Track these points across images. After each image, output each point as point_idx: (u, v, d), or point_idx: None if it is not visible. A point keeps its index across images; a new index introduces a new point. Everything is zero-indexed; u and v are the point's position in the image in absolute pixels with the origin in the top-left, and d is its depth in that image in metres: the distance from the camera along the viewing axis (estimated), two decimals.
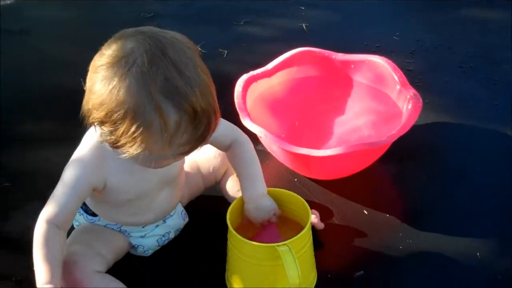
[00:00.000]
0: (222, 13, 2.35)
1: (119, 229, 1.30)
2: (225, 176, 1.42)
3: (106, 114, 0.99)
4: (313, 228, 1.31)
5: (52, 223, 1.13)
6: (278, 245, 1.12)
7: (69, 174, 1.14)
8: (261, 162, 1.53)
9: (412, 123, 1.44)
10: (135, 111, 0.97)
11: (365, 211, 1.44)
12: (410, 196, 1.50)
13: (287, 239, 1.14)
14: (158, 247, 1.35)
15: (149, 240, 1.32)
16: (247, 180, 1.28)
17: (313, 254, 1.24)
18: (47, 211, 1.14)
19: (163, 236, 1.34)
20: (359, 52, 1.72)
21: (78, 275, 1.16)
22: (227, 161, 1.39)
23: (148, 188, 1.22)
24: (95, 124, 1.04)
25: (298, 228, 1.21)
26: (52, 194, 1.16)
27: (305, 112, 1.69)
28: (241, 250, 1.16)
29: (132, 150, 1.01)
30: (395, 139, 1.41)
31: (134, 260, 1.33)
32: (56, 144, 1.65)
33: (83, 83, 1.05)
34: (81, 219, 1.31)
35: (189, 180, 1.39)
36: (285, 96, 1.68)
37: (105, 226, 1.30)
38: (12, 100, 1.87)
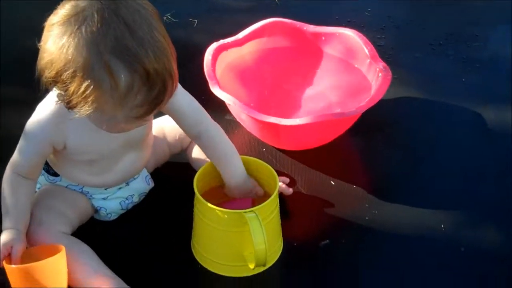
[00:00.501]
0: None
1: (81, 190, 1.28)
2: (191, 144, 1.41)
3: (57, 73, 0.97)
4: (281, 196, 1.31)
5: (18, 174, 1.15)
6: (245, 212, 1.11)
7: (29, 130, 1.13)
8: (230, 131, 1.54)
9: (381, 95, 1.44)
10: (84, 70, 0.94)
11: (332, 182, 1.45)
12: (377, 168, 1.51)
13: (254, 206, 1.13)
14: (122, 211, 1.33)
15: (111, 202, 1.30)
16: (226, 170, 1.26)
17: (280, 222, 1.24)
18: (13, 162, 1.16)
19: (126, 199, 1.32)
20: (330, 26, 1.71)
21: (44, 235, 1.15)
22: None
23: (111, 150, 1.20)
24: (49, 84, 1.01)
25: (266, 196, 1.21)
26: (18, 146, 1.16)
27: (275, 83, 1.68)
28: (208, 216, 1.16)
29: (83, 110, 0.98)
30: (364, 110, 1.42)
31: (97, 225, 1.32)
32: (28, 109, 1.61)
33: (37, 42, 1.02)
34: (42, 179, 1.29)
35: (155, 146, 1.36)
36: (255, 66, 1.67)
37: (66, 187, 1.28)
38: None
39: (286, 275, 1.25)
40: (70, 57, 0.95)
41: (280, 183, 1.33)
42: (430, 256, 1.28)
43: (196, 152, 1.38)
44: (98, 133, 1.12)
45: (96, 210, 1.30)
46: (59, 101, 1.04)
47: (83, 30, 0.94)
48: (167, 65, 0.98)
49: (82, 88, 0.95)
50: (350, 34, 1.64)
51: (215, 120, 1.51)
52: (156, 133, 1.39)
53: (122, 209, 1.32)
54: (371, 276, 1.24)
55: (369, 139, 1.58)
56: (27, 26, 1.74)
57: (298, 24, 1.69)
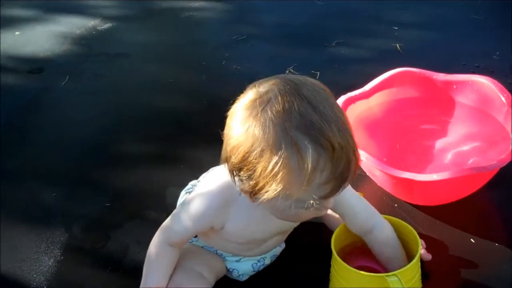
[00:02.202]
0: (314, 35, 2.33)
1: (215, 252, 1.30)
2: None
3: (243, 156, 0.97)
4: (420, 259, 1.24)
5: (167, 243, 1.17)
6: (387, 275, 1.07)
7: (195, 206, 1.15)
8: (361, 186, 1.51)
9: None
10: (272, 148, 0.94)
11: (472, 240, 1.37)
12: None
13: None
14: (254, 272, 1.32)
15: (244, 264, 1.31)
16: (390, 263, 1.21)
17: (421, 285, 1.18)
18: (165, 232, 1.18)
19: (258, 261, 1.32)
20: (457, 72, 1.65)
21: None
22: None
23: (262, 237, 1.22)
24: (234, 172, 1.01)
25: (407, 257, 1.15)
26: (172, 215, 1.18)
27: (406, 135, 1.63)
28: (346, 278, 1.12)
29: (271, 190, 0.96)
30: (506, 163, 1.33)
31: (231, 283, 1.32)
32: (154, 165, 1.68)
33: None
34: None
35: None
36: (384, 117, 1.63)
37: (202, 247, 1.30)
38: (114, 120, 1.93)
39: None
40: (257, 136, 0.95)
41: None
42: None
43: (329, 211, 1.36)
44: (256, 220, 1.14)
45: (228, 270, 1.31)
46: (241, 191, 1.03)
47: (268, 109, 0.95)
48: (350, 140, 0.97)
49: (270, 166, 0.94)
50: (484, 81, 1.57)
51: None
52: None
53: (253, 270, 1.32)
54: None
55: (509, 193, 1.49)
56: None
57: (427, 73, 1.64)
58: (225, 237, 1.21)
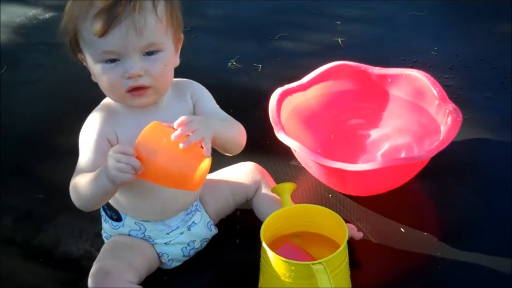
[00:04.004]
0: (258, 28, 2.34)
1: (143, 236, 1.29)
2: (257, 193, 1.40)
3: (67, 19, 1.12)
4: (349, 244, 1.26)
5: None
6: (313, 263, 1.08)
7: (83, 132, 1.20)
8: (295, 177, 1.53)
9: (451, 138, 1.39)
10: None
11: (402, 229, 1.40)
12: (449, 214, 1.45)
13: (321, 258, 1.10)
14: (184, 258, 1.33)
15: (173, 248, 1.31)
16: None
17: (349, 273, 1.20)
18: (75, 174, 1.17)
19: (188, 244, 1.32)
20: (396, 67, 1.68)
21: (112, 285, 1.16)
22: (259, 178, 1.39)
23: None
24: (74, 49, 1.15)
25: (334, 246, 1.17)
26: (79, 157, 1.19)
27: (341, 127, 1.66)
28: (274, 267, 1.13)
29: (69, 26, 1.11)
30: (434, 154, 1.37)
31: (163, 274, 1.32)
32: None
33: None
34: (107, 227, 1.32)
35: (217, 191, 1.38)
36: (320, 110, 1.65)
37: (129, 233, 1.29)
38: (52, 111, 1.90)
39: None
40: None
41: (350, 226, 1.31)
42: None
43: (262, 201, 1.37)
44: (143, 124, 1.12)
45: (159, 257, 1.31)
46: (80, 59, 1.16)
47: None
48: None
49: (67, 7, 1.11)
50: (417, 75, 1.60)
51: (280, 166, 1.51)
52: (220, 180, 1.40)
53: (184, 255, 1.32)
54: None
55: (440, 183, 1.53)
56: None
57: (363, 66, 1.67)
58: None
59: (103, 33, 1.07)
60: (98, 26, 1.07)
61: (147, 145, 1.05)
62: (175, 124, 1.07)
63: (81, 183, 1.13)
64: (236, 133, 1.24)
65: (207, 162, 1.07)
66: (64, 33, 1.14)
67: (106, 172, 1.06)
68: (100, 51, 1.10)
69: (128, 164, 1.04)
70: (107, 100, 1.23)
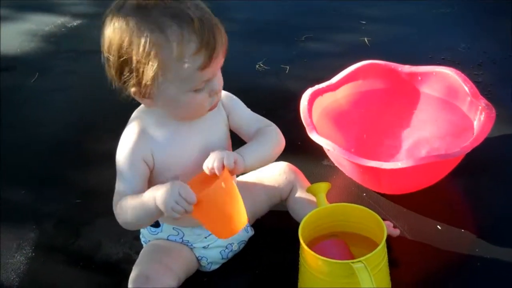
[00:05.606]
0: (284, 30, 2.35)
1: (181, 241, 1.31)
2: (291, 194, 1.40)
3: (118, 50, 1.08)
4: (387, 241, 1.26)
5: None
6: (353, 262, 1.09)
7: (119, 155, 1.20)
8: (329, 177, 1.53)
9: (485, 134, 1.39)
10: (136, 33, 1.06)
11: (438, 226, 1.39)
12: (486, 210, 1.44)
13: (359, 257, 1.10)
14: (223, 260, 1.34)
15: (212, 251, 1.32)
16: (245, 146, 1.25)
17: (388, 272, 1.20)
18: (115, 197, 1.19)
19: (226, 248, 1.33)
20: (424, 65, 1.67)
21: None
22: (293, 179, 1.39)
23: (190, 154, 1.21)
24: (118, 74, 1.11)
25: (372, 245, 1.17)
26: (116, 182, 1.20)
27: (373, 125, 1.65)
28: (314, 266, 1.14)
29: (149, 69, 1.06)
30: (469, 150, 1.36)
31: (202, 275, 1.33)
32: None
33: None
34: (145, 232, 1.34)
35: (253, 194, 1.38)
36: (351, 109, 1.66)
37: (167, 238, 1.31)
38: (84, 117, 1.93)
39: None
40: (121, 28, 1.07)
41: (386, 223, 1.30)
42: None
43: (297, 202, 1.38)
44: (176, 139, 1.19)
45: (198, 260, 1.32)
46: (133, 94, 1.13)
47: (125, 7, 1.08)
48: (208, 15, 1.09)
49: (141, 49, 1.06)
50: (448, 72, 1.60)
51: (312, 166, 1.51)
52: (254, 182, 1.41)
53: (222, 258, 1.34)
54: None
55: (475, 180, 1.52)
56: None
57: (393, 65, 1.67)
58: (165, 174, 1.20)
59: (207, 66, 1.09)
60: (201, 61, 1.07)
61: (209, 203, 1.10)
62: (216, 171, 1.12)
63: (127, 207, 1.16)
64: (272, 150, 1.26)
65: (245, 221, 1.15)
66: (119, 69, 1.12)
67: (159, 203, 1.09)
68: (200, 81, 1.11)
69: (184, 209, 1.08)
70: (138, 114, 1.23)
